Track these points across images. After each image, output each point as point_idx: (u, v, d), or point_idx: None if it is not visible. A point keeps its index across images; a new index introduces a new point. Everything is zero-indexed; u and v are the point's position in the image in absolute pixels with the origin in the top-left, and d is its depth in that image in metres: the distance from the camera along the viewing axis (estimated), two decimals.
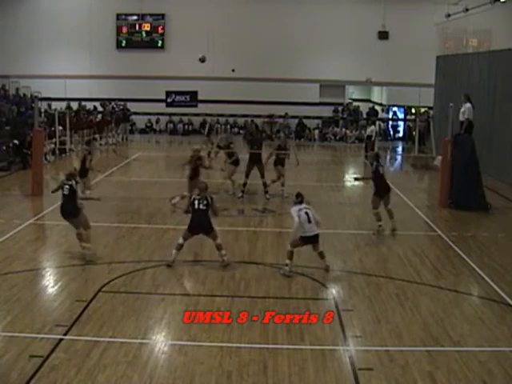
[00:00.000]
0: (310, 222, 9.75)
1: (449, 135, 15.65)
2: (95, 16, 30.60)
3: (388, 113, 32.33)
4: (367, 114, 31.91)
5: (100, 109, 28.60)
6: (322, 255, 10.15)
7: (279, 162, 16.12)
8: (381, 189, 12.70)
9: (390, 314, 8.47)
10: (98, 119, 27.02)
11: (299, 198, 10.10)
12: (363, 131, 30.30)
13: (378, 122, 30.60)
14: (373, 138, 24.95)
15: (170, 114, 30.59)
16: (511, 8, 24.32)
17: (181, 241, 10.20)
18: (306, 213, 9.80)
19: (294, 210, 9.91)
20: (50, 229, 12.89)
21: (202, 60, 21.39)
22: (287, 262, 9.94)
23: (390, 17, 30.04)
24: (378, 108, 32.71)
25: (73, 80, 30.05)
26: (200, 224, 10.11)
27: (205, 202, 10.10)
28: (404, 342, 7.58)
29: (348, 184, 19.35)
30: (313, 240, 9.91)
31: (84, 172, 14.97)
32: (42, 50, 30.47)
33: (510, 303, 8.93)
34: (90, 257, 10.40)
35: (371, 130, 25.40)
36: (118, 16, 31.33)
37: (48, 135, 21.40)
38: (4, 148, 20.21)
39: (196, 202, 10.12)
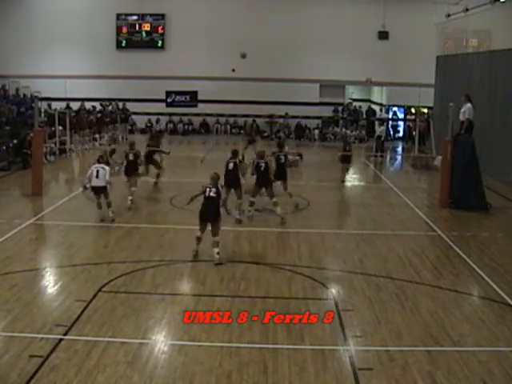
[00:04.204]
0: (97, 177, 12.65)
1: (449, 135, 15.65)
2: (95, 16, 30.62)
3: (388, 113, 32.34)
4: (366, 113, 31.92)
5: (100, 108, 28.60)
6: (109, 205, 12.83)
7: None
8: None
9: (390, 314, 8.47)
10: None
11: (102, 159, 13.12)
12: (363, 131, 30.40)
13: (377, 122, 30.70)
14: (382, 138, 24.99)
15: (170, 114, 30.62)
16: (511, 8, 24.32)
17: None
18: (98, 170, 12.64)
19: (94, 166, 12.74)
20: (50, 229, 12.89)
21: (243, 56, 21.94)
22: None
23: (389, 17, 30.04)
24: (376, 108, 32.73)
25: (73, 80, 30.02)
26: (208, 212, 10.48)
27: (214, 190, 10.48)
28: (404, 342, 7.57)
29: (348, 184, 19.35)
30: (97, 190, 12.72)
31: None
32: (42, 49, 30.45)
33: (510, 303, 8.93)
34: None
35: (381, 130, 25.43)
36: (118, 16, 31.32)
37: (48, 135, 21.40)
38: (4, 148, 20.21)
39: (207, 190, 10.49)
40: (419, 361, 7.07)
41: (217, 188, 10.51)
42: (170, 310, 8.37)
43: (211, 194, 10.40)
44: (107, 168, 12.95)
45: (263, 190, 13.73)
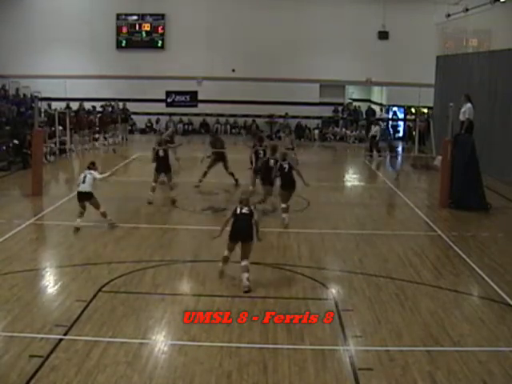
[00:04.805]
0: (83, 182, 12.18)
1: (449, 135, 15.65)
2: (95, 16, 30.61)
3: (388, 113, 32.34)
4: (366, 113, 31.93)
5: (99, 109, 28.59)
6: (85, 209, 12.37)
7: None
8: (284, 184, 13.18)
9: (390, 314, 8.47)
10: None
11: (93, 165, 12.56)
12: (363, 131, 30.41)
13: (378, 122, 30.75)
14: (377, 138, 25.02)
15: (170, 114, 30.60)
16: (511, 8, 24.31)
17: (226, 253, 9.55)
18: (85, 176, 12.24)
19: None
20: (50, 229, 12.89)
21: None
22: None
23: (389, 17, 30.03)
24: (376, 108, 32.73)
25: (73, 80, 30.03)
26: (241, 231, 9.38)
27: (247, 208, 9.42)
28: (404, 342, 7.58)
29: (348, 184, 19.36)
30: (81, 196, 12.24)
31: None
32: (41, 49, 30.44)
33: (510, 303, 8.94)
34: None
35: (376, 129, 25.44)
36: (118, 16, 31.30)
37: (48, 135, 21.40)
38: (4, 148, 20.20)
39: (238, 208, 9.44)
40: (419, 361, 7.07)
41: (249, 207, 9.44)
42: (170, 310, 8.37)
43: (243, 210, 9.34)
44: (95, 173, 12.42)
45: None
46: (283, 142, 21.66)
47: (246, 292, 9.03)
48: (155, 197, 15.39)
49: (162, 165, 14.98)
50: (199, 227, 12.97)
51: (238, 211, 9.37)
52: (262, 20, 30.42)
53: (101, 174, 12.77)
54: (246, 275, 9.16)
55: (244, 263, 9.22)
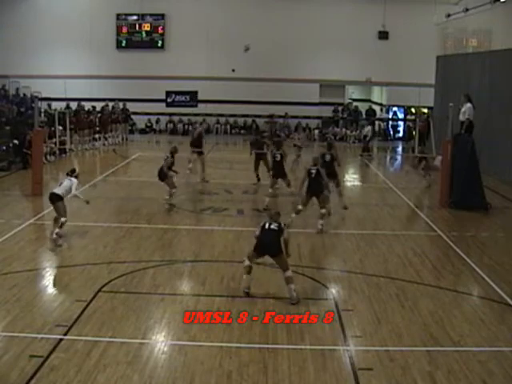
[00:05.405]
0: (59, 185, 11.57)
1: (449, 135, 15.65)
2: (95, 16, 30.61)
3: (388, 113, 32.34)
4: (366, 113, 31.94)
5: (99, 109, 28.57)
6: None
7: None
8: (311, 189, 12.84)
9: (390, 314, 8.47)
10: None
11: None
12: (363, 131, 30.44)
13: (377, 122, 30.76)
14: (368, 138, 25.11)
15: (170, 114, 30.59)
16: (511, 8, 24.30)
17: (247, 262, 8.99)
18: (63, 181, 11.69)
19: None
20: (50, 229, 12.85)
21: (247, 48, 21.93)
22: None
23: (390, 17, 30.03)
24: (376, 108, 32.74)
25: (73, 80, 30.04)
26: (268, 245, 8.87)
27: (276, 225, 8.95)
28: (404, 342, 7.58)
29: (348, 184, 19.34)
30: (51, 196, 11.45)
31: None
32: (42, 49, 30.44)
33: (510, 303, 8.94)
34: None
35: (367, 130, 25.53)
36: (118, 16, 31.30)
37: (48, 135, 21.41)
38: (4, 148, 20.20)
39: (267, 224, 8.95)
40: (419, 361, 7.07)
41: (279, 223, 8.96)
42: (170, 310, 8.37)
43: (272, 226, 8.85)
44: (74, 180, 11.69)
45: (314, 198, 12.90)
46: (294, 140, 21.62)
47: (293, 304, 8.61)
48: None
49: (159, 172, 14.87)
50: (199, 227, 12.98)
51: (267, 226, 8.91)
52: (262, 20, 30.42)
53: (77, 190, 11.87)
54: (292, 286, 8.73)
55: (287, 274, 8.76)
